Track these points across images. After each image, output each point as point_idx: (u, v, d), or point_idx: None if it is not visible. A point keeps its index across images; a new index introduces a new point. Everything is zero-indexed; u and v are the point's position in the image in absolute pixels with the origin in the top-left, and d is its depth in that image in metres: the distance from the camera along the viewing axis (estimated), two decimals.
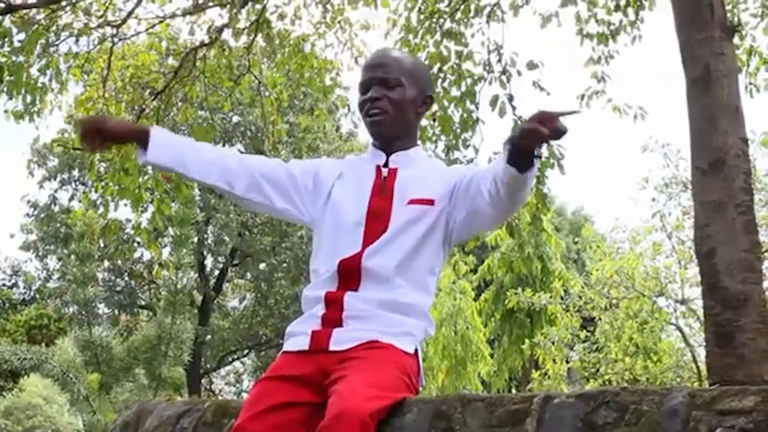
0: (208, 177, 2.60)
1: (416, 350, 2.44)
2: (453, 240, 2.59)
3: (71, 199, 23.62)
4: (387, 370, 2.26)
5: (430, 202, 2.50)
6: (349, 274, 2.44)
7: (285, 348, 2.48)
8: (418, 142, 2.71)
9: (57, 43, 7.68)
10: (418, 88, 2.64)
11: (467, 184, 2.48)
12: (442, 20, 7.87)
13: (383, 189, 2.55)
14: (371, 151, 2.67)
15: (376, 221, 2.49)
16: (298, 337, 2.45)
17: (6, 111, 7.80)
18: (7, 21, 7.13)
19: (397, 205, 2.51)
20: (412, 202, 2.50)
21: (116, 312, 23.76)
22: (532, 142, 2.15)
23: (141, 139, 2.55)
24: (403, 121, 2.61)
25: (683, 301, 12.46)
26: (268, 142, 11.33)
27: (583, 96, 8.24)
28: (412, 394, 2.30)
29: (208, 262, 24.93)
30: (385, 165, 2.60)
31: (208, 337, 23.78)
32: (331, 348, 2.36)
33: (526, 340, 16.23)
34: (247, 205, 2.70)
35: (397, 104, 2.58)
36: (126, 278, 24.70)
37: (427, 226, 2.49)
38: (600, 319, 13.20)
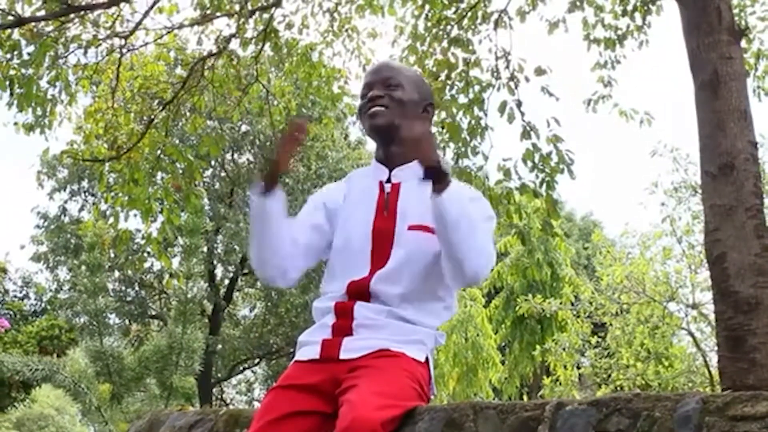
0: (276, 253, 2.53)
1: (427, 359, 2.43)
2: None
3: (81, 209, 23.67)
4: (398, 378, 2.26)
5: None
6: (359, 293, 2.45)
7: (296, 357, 2.48)
8: None
9: (66, 54, 7.70)
10: (419, 94, 2.65)
11: None
12: (449, 27, 7.87)
13: (387, 207, 2.54)
14: (374, 165, 2.66)
15: (382, 242, 2.49)
16: (308, 347, 2.46)
17: (16, 124, 7.83)
18: (16, 34, 7.16)
19: (401, 227, 2.50)
20: (418, 227, 2.49)
21: (127, 322, 23.81)
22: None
23: (273, 182, 2.49)
24: (403, 120, 2.59)
25: (694, 306, 12.41)
26: None
27: (589, 101, 8.25)
28: (424, 403, 2.30)
29: (219, 271, 24.96)
30: (388, 180, 2.59)
31: (219, 346, 23.79)
32: (342, 357, 2.36)
33: (537, 347, 16.17)
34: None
35: (399, 102, 2.57)
36: (136, 288, 24.74)
37: (433, 254, 2.47)
38: (611, 324, 13.15)
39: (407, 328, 2.41)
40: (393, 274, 2.44)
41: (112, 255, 19.53)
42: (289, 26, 8.54)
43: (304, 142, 2.53)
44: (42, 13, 7.13)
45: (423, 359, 2.40)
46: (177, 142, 11.77)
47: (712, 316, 8.51)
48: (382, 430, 2.05)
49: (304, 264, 2.60)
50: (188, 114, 8.88)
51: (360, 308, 2.43)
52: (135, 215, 8.89)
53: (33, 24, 7.10)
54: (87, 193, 23.50)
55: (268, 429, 2.25)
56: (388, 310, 2.42)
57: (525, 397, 19.30)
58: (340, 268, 2.54)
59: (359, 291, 2.45)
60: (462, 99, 7.60)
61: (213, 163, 22.64)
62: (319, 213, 2.64)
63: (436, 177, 2.31)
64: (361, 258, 2.49)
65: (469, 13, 7.86)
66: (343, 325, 2.42)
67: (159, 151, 8.34)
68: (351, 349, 2.37)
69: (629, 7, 8.07)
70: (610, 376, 12.86)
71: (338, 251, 2.57)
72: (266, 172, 2.47)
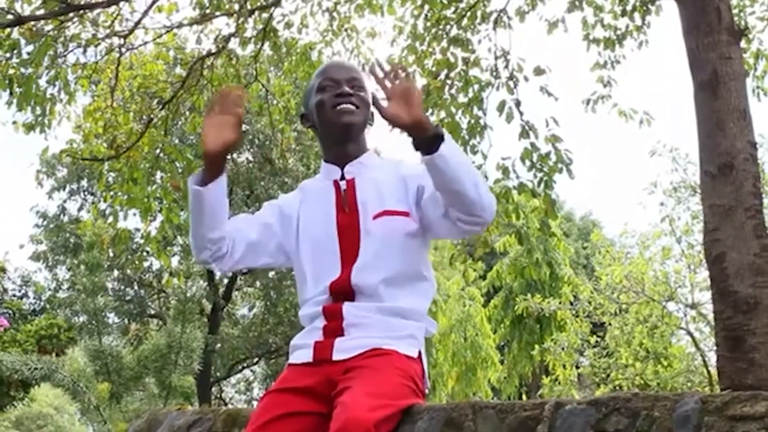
0: (216, 234, 2.52)
1: (419, 353, 2.44)
2: (430, 238, 2.59)
3: (80, 209, 23.65)
4: (391, 377, 2.27)
5: (405, 214, 2.50)
6: (342, 292, 2.45)
7: (290, 361, 2.49)
8: (368, 147, 2.69)
9: (65, 54, 7.70)
10: (369, 101, 2.66)
11: (432, 195, 2.45)
12: (448, 27, 7.88)
13: (346, 203, 2.54)
14: (324, 168, 2.66)
15: (349, 238, 2.49)
16: (301, 350, 2.47)
17: (15, 123, 7.83)
18: (16, 33, 7.16)
19: (365, 219, 2.51)
20: (384, 213, 2.50)
21: (126, 321, 23.77)
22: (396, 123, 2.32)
23: (216, 168, 2.45)
24: (365, 122, 2.62)
25: (693, 306, 12.42)
26: (277, 150, 11.35)
27: (588, 100, 8.25)
28: (419, 399, 2.31)
29: (218, 270, 24.91)
30: (342, 178, 2.59)
31: (218, 345, 23.77)
32: (335, 357, 2.37)
33: (536, 346, 16.19)
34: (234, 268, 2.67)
35: (365, 103, 2.60)
36: (136, 287, 24.72)
37: (406, 236, 2.49)
38: (610, 324, 13.16)
39: (397, 324, 2.42)
40: (369, 264, 2.45)
41: (111, 254, 19.49)
42: (289, 25, 8.54)
43: (241, 113, 2.43)
44: (41, 12, 7.12)
45: (415, 354, 2.41)
46: (176, 141, 11.79)
47: (711, 316, 8.51)
48: (376, 430, 2.06)
49: (242, 255, 2.58)
50: (187, 113, 8.87)
51: (348, 308, 2.43)
52: (134, 214, 8.90)
53: (32, 23, 7.09)
54: (86, 192, 23.48)
55: (264, 429, 2.26)
56: (377, 307, 2.42)
57: (524, 397, 19.31)
58: (312, 272, 2.54)
59: (342, 290, 2.45)
60: (461, 98, 7.61)
61: None
62: (271, 214, 2.65)
63: (424, 133, 2.29)
64: (331, 258, 2.49)
65: (469, 13, 7.86)
66: (334, 326, 2.43)
67: (158, 150, 8.34)
68: (343, 349, 2.37)
69: (628, 7, 8.07)
70: (608, 375, 12.87)
71: (307, 256, 2.57)
72: (206, 156, 2.42)
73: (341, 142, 2.60)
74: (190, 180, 2.46)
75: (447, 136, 2.29)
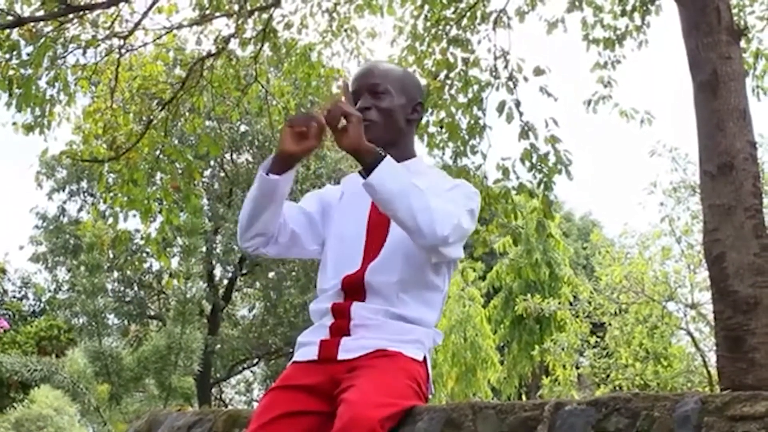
0: (274, 223, 2.54)
1: (425, 357, 2.44)
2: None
3: (80, 210, 23.69)
4: (396, 377, 2.27)
5: None
6: (354, 288, 2.45)
7: (295, 358, 2.49)
8: (416, 151, 2.69)
9: (65, 55, 7.69)
10: (407, 96, 2.64)
11: None
12: (448, 27, 7.88)
13: None
14: None
15: (376, 236, 2.50)
16: (307, 347, 2.46)
17: (15, 124, 7.83)
18: (15, 34, 7.15)
19: None
20: None
21: (126, 322, 23.78)
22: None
23: (291, 164, 2.46)
24: (393, 129, 2.60)
25: (693, 306, 12.41)
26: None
27: (589, 101, 8.25)
28: (422, 402, 2.31)
29: (217, 271, 24.95)
30: None
31: (218, 346, 23.78)
32: (340, 357, 2.37)
33: (536, 347, 16.17)
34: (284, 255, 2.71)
35: (386, 112, 2.58)
36: (135, 289, 24.73)
37: None
38: (610, 324, 13.15)
39: (404, 328, 2.42)
40: (386, 264, 2.45)
41: (111, 255, 19.52)
42: (288, 26, 8.55)
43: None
44: (41, 13, 7.13)
45: (421, 358, 2.41)
46: (176, 142, 11.77)
47: (710, 316, 8.51)
48: (380, 428, 2.06)
49: (286, 242, 2.60)
50: (187, 114, 8.87)
51: (357, 308, 2.43)
52: (134, 215, 8.89)
53: (32, 24, 7.09)
54: (86, 194, 23.51)
55: (267, 428, 2.26)
56: (385, 310, 2.42)
57: (524, 397, 19.30)
58: (333, 262, 2.54)
59: (354, 286, 2.45)
60: (461, 98, 7.62)
61: (212, 163, 22.65)
62: (313, 203, 2.67)
63: (361, 160, 2.34)
64: (354, 251, 2.50)
65: (468, 13, 7.87)
66: (341, 325, 2.43)
67: (158, 152, 8.34)
68: (349, 349, 2.37)
69: (628, 7, 8.07)
70: (608, 375, 12.86)
71: (332, 246, 2.58)
72: (288, 151, 2.42)
73: None
74: (261, 168, 2.45)
75: (384, 163, 2.31)
